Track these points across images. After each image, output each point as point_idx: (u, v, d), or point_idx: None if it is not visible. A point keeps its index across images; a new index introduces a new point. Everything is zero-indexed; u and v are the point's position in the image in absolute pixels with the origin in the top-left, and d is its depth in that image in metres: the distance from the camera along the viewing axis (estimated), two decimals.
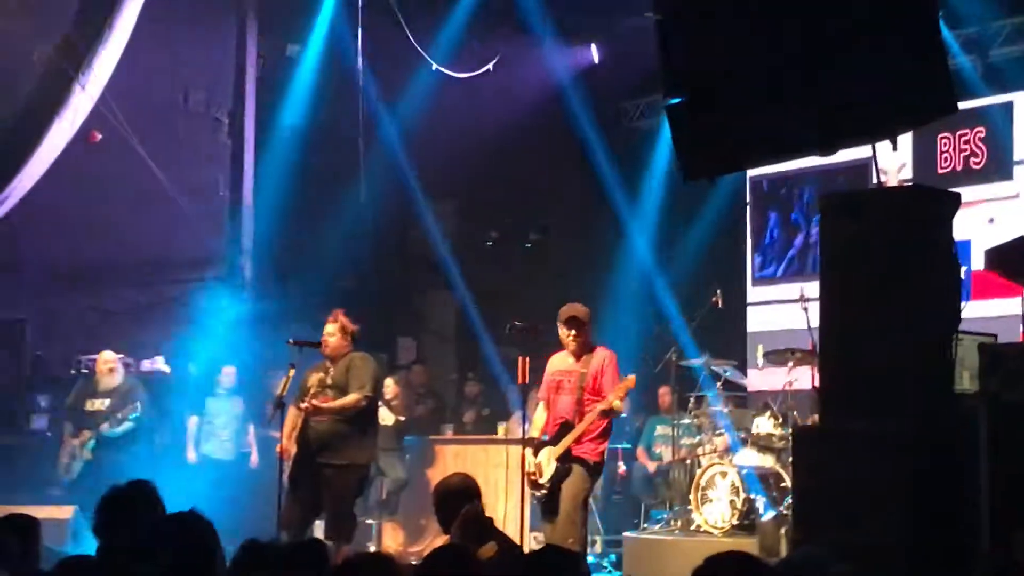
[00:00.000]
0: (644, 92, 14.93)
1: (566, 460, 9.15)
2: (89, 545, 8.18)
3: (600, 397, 9.17)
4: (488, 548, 6.26)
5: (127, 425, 12.14)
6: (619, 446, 13.52)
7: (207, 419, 13.53)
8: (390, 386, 13.19)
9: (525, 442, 9.51)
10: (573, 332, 9.29)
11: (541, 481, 9.22)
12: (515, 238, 16.20)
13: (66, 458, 12.22)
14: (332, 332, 9.85)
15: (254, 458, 13.56)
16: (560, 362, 9.47)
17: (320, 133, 14.69)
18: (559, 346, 9.47)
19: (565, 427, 9.19)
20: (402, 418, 13.45)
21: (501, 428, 13.36)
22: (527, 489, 9.56)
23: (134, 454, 12.15)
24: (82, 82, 12.30)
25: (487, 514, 6.88)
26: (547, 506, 9.26)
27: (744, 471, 11.41)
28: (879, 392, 7.10)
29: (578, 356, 9.35)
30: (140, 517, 4.40)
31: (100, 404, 12.20)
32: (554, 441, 9.23)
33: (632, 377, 9.29)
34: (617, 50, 14.71)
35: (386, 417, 12.87)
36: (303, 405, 9.66)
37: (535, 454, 9.31)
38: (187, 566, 3.16)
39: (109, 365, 12.30)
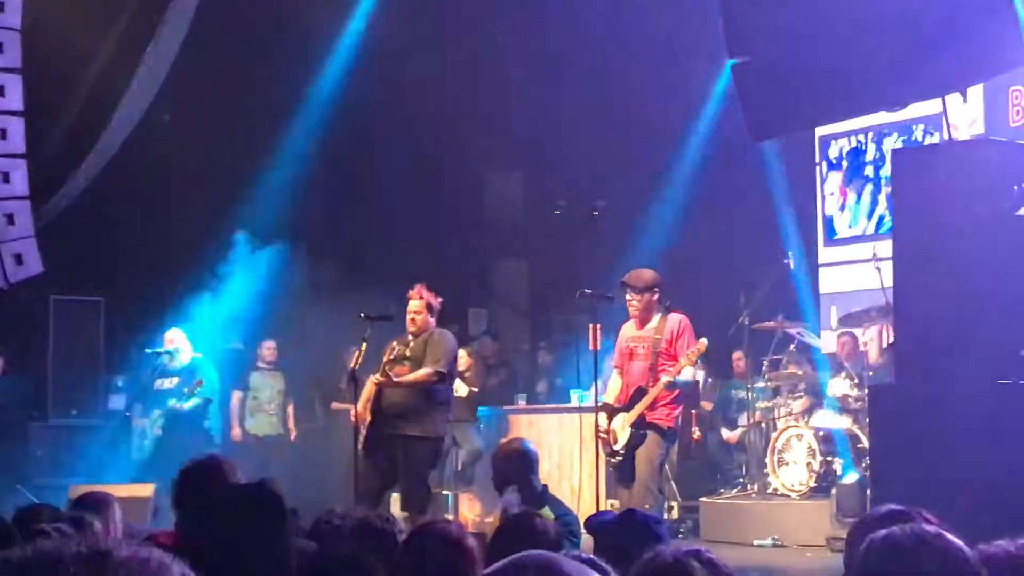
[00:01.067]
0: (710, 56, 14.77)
1: (640, 426, 9.14)
2: (170, 521, 8.30)
3: (675, 361, 9.13)
4: (544, 513, 6.28)
5: (195, 401, 12.26)
6: (694, 411, 13.46)
7: (252, 395, 13.55)
8: (463, 358, 13.20)
9: (599, 408, 9.50)
10: (635, 297, 9.27)
11: (616, 447, 9.22)
12: (581, 207, 16.14)
13: (137, 437, 12.37)
14: (418, 310, 9.84)
15: (293, 434, 13.60)
16: (633, 329, 9.45)
17: (384, 106, 14.69)
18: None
19: (639, 393, 9.18)
20: (475, 389, 13.47)
21: (574, 396, 13.35)
22: (602, 456, 9.56)
23: (204, 430, 12.29)
24: (148, 63, 12.40)
25: (561, 481, 6.90)
26: (623, 472, 9.26)
27: (821, 433, 11.33)
28: (954, 350, 7.02)
29: (643, 321, 9.32)
30: (216, 489, 4.44)
31: (168, 383, 12.33)
32: (628, 407, 9.21)
33: (704, 341, 9.24)
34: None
35: (459, 388, 12.89)
36: (375, 378, 9.68)
37: (609, 420, 9.31)
38: (259, 535, 3.18)
39: (175, 344, 12.42)
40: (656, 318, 9.34)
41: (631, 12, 14.20)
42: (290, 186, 14.36)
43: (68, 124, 12.68)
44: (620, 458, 9.22)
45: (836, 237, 14.36)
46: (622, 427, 9.20)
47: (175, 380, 12.33)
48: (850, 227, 14.20)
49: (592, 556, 3.19)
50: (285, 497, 3.44)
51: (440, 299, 9.99)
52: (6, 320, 12.94)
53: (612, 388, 9.58)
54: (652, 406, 9.14)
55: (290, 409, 13.75)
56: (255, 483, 3.54)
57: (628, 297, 9.32)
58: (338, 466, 11.83)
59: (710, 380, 13.82)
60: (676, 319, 9.31)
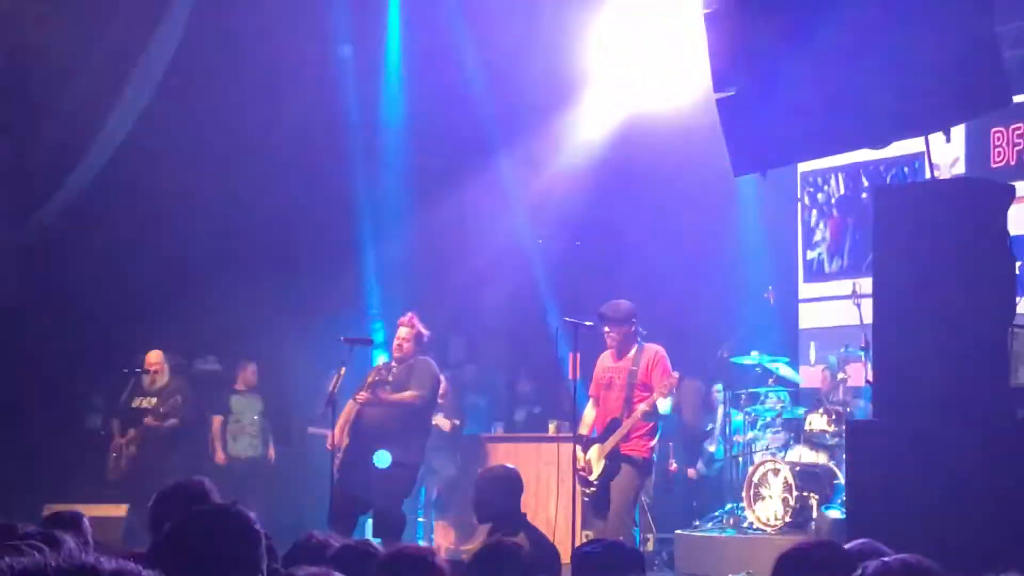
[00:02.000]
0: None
1: (615, 458, 9.13)
2: (143, 542, 8.22)
3: (649, 393, 9.13)
4: (519, 540, 6.28)
5: (171, 422, 12.22)
6: (670, 443, 13.46)
7: (234, 418, 13.51)
8: (442, 384, 13.18)
9: (575, 439, 9.48)
10: (613, 329, 9.30)
11: (590, 478, 9.21)
12: (564, 237, 16.16)
13: (114, 455, 12.32)
14: (407, 337, 9.90)
15: (271, 452, 13.55)
16: (609, 359, 9.47)
17: (369, 128, 14.71)
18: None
19: (613, 424, 9.20)
20: (456, 422, 13.48)
21: (552, 426, 13.34)
22: (579, 486, 9.56)
23: (181, 451, 12.25)
24: (135, 81, 12.40)
25: (538, 511, 6.90)
26: (597, 504, 9.26)
27: (797, 468, 11.34)
28: (934, 387, 7.03)
29: (621, 353, 9.34)
30: (189, 511, 4.42)
31: (147, 402, 12.30)
32: (602, 438, 9.22)
33: (676, 375, 9.26)
34: None
35: (442, 424, 12.96)
36: (360, 395, 9.68)
37: (584, 451, 9.31)
38: (229, 558, 3.17)
39: (155, 366, 12.42)
40: (633, 349, 9.37)
41: None
42: (272, 206, 14.36)
43: (54, 140, 12.65)
44: (594, 489, 9.21)
45: (812, 272, 14.40)
46: (597, 458, 9.21)
47: (153, 400, 12.29)
48: (830, 264, 14.24)
49: None
50: (256, 520, 3.43)
51: (429, 332, 10.05)
52: None
53: (587, 418, 9.60)
54: (627, 437, 9.15)
55: (268, 432, 13.72)
56: (225, 505, 3.53)
57: (606, 328, 9.36)
58: (313, 490, 11.79)
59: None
60: (652, 350, 9.34)
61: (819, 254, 14.32)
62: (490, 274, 15.39)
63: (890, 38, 6.54)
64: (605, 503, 9.21)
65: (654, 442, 9.41)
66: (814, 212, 14.50)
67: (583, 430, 9.55)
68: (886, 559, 2.70)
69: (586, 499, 9.57)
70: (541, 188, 15.21)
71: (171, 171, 13.33)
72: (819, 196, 14.54)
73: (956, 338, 6.93)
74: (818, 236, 14.47)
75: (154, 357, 12.50)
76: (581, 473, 9.31)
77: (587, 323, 10.06)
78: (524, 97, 14.43)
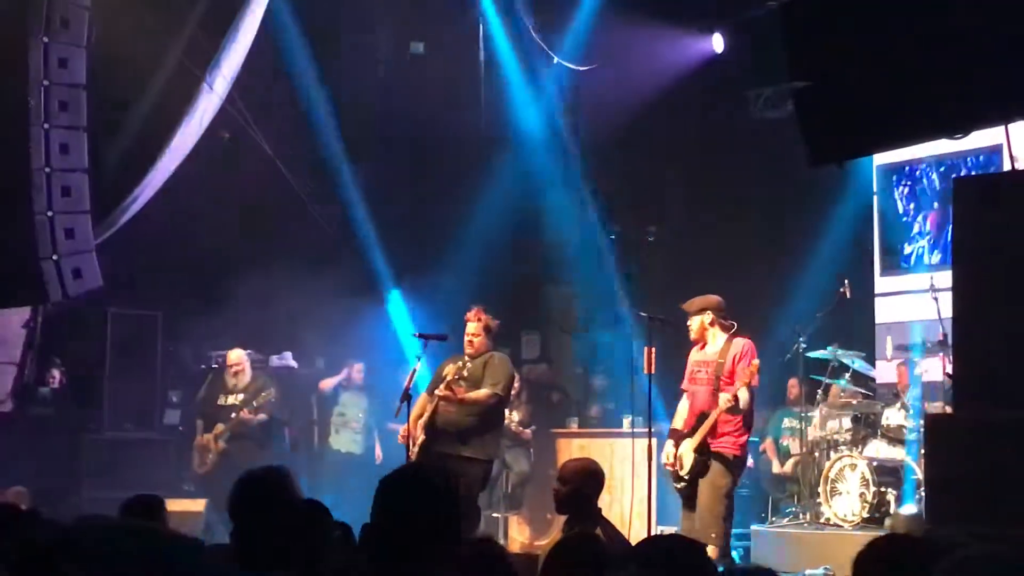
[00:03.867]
0: (769, 81, 14.72)
1: (704, 452, 9.12)
2: (222, 537, 8.31)
3: (733, 385, 9.10)
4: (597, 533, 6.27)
5: (261, 417, 12.35)
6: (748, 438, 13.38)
7: (339, 411, 13.72)
8: (515, 382, 13.19)
9: (669, 433, 9.53)
10: (689, 320, 9.31)
11: (681, 473, 9.20)
12: (636, 231, 16.13)
13: (199, 453, 12.45)
14: (476, 332, 9.88)
15: (379, 452, 13.71)
16: (698, 354, 9.48)
17: (441, 129, 14.74)
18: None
19: (702, 418, 9.17)
20: (533, 428, 13.50)
21: (626, 421, 13.31)
22: (654, 481, 9.53)
23: (267, 447, 12.36)
24: (209, 82, 12.50)
25: (612, 506, 6.88)
26: (688, 499, 9.23)
27: (874, 463, 11.24)
28: (1015, 381, 6.94)
29: (704, 345, 9.31)
30: (273, 501, 4.44)
31: (233, 399, 12.43)
32: (691, 433, 9.19)
33: (756, 362, 9.22)
34: (741, 39, 14.54)
35: (520, 432, 13.06)
36: (438, 391, 9.67)
37: (676, 446, 9.28)
38: (296, 550, 3.19)
39: (236, 367, 12.54)
40: (721, 342, 9.35)
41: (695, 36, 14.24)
42: (345, 207, 14.46)
43: (131, 140, 12.79)
44: (685, 484, 9.21)
45: (889, 266, 14.25)
46: (687, 453, 9.17)
47: (240, 397, 12.42)
48: (931, 255, 14.06)
49: None
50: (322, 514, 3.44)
51: (498, 321, 10.01)
52: (64, 333, 13.06)
53: (680, 413, 9.58)
54: (716, 433, 9.09)
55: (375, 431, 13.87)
56: (305, 499, 3.54)
57: (688, 321, 9.37)
58: None
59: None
60: (740, 343, 9.31)
61: (919, 248, 14.12)
62: (563, 270, 15.40)
63: (967, 25, 6.46)
64: (694, 500, 9.19)
65: (745, 438, 9.33)
66: (911, 205, 14.31)
67: (676, 424, 9.53)
68: (972, 549, 2.66)
69: (678, 495, 9.50)
70: (614, 180, 15.19)
71: (248, 169, 13.46)
72: (896, 189, 14.38)
73: None
74: (894, 229, 14.31)
75: (235, 356, 12.63)
76: (672, 468, 9.28)
77: (661, 318, 10.03)
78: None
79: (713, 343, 9.36)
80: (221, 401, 12.48)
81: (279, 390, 12.71)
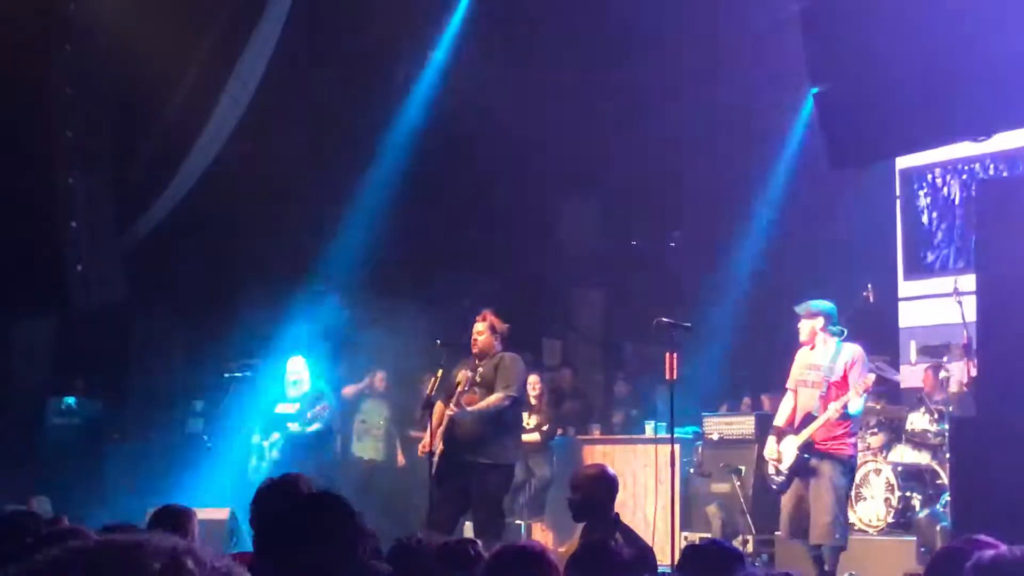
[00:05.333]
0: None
1: (809, 451, 9.33)
2: (246, 545, 8.32)
3: (845, 391, 9.29)
4: (616, 539, 6.26)
5: (316, 427, 12.36)
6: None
7: (361, 418, 13.75)
8: (534, 387, 13.19)
9: (771, 430, 9.79)
10: (800, 322, 9.54)
11: (781, 467, 9.46)
12: (658, 237, 16.12)
13: (255, 459, 12.48)
14: (481, 331, 9.91)
15: (401, 459, 13.75)
16: (806, 355, 9.66)
17: (464, 134, 14.75)
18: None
19: (808, 419, 9.39)
20: (545, 428, 13.49)
21: (648, 427, 13.29)
22: (677, 487, 9.54)
23: (322, 455, 12.36)
24: (230, 91, 12.54)
25: (635, 511, 6.86)
26: (786, 488, 9.47)
27: (899, 468, 11.19)
28: None
29: (814, 348, 9.54)
30: (287, 500, 4.45)
31: (290, 407, 12.44)
32: (797, 431, 9.43)
33: (872, 376, 9.51)
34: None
35: (529, 421, 13.00)
36: (448, 411, 9.70)
37: (778, 442, 9.53)
38: (327, 541, 3.17)
39: (295, 374, 12.53)
40: (832, 346, 9.53)
41: (711, 41, 14.17)
42: (369, 214, 14.48)
43: (154, 148, 12.84)
44: (783, 478, 9.48)
45: (912, 270, 14.19)
46: (790, 449, 9.41)
47: (297, 406, 12.44)
48: (933, 264, 14.02)
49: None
50: (347, 504, 3.43)
51: (507, 325, 10.02)
52: (88, 343, 13.11)
53: (783, 410, 9.79)
54: (828, 436, 9.32)
55: (396, 438, 13.92)
56: (320, 491, 3.54)
57: (800, 323, 9.58)
58: (415, 495, 11.89)
59: None
60: (852, 350, 9.50)
61: (943, 255, 14.07)
62: (586, 276, 15.39)
63: (989, 28, 6.43)
64: (789, 488, 9.45)
65: (854, 439, 9.59)
66: (913, 209, 14.28)
67: (778, 422, 9.75)
68: (1002, 549, 2.65)
69: (774, 487, 9.78)
70: (632, 185, 15.18)
71: (270, 178, 13.50)
72: (919, 193, 14.32)
73: None
74: (917, 233, 14.25)
75: (296, 364, 12.63)
76: (773, 462, 9.54)
77: (684, 324, 10.03)
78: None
79: (824, 347, 9.53)
80: (279, 409, 12.48)
81: (334, 400, 12.74)
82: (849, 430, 9.45)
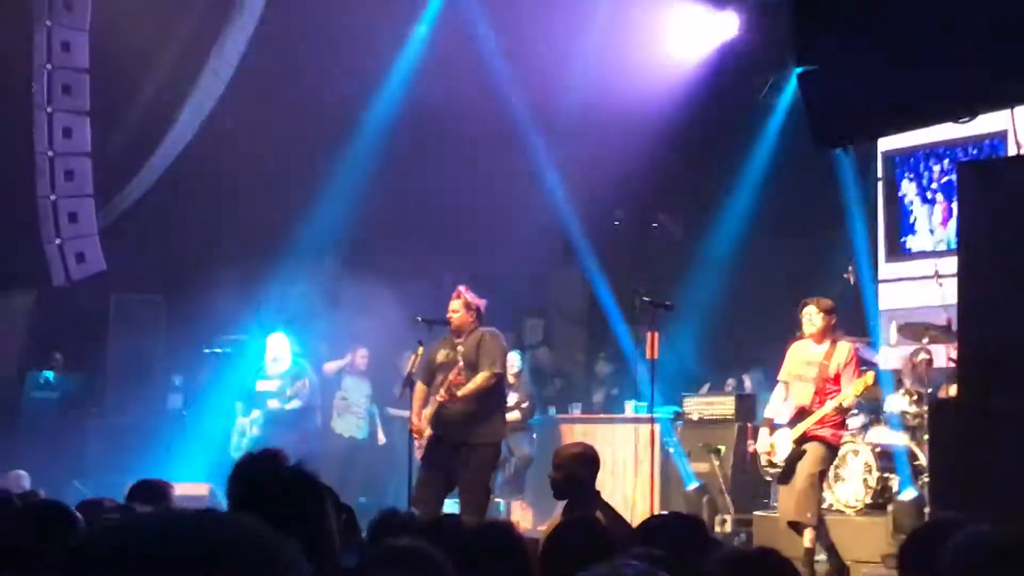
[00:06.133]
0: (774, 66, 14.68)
1: (802, 443, 9.49)
2: None
3: (838, 388, 9.46)
4: (596, 517, 6.27)
5: (296, 404, 12.34)
6: (749, 424, 13.39)
7: (342, 395, 13.75)
8: (513, 366, 13.19)
9: (763, 422, 10.01)
10: (817, 317, 9.60)
11: (774, 459, 9.60)
12: (641, 218, 16.12)
13: (236, 435, 12.46)
14: (456, 308, 9.89)
15: (381, 436, 13.77)
16: (802, 350, 9.77)
17: (435, 109, 14.71)
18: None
19: (802, 413, 9.53)
20: (525, 404, 13.49)
21: (629, 406, 13.31)
22: (656, 466, 9.57)
23: (303, 431, 12.35)
24: (213, 66, 12.48)
25: (616, 490, 6.88)
26: (782, 480, 9.64)
27: (877, 449, 11.23)
28: (1019, 366, 6.92)
29: (817, 343, 9.64)
30: (264, 477, 4.43)
31: (270, 384, 12.43)
32: (791, 424, 9.58)
33: (872, 374, 9.73)
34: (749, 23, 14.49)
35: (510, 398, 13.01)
36: (438, 398, 9.68)
37: (770, 434, 9.69)
38: (291, 518, 3.14)
39: (276, 352, 12.52)
40: (827, 343, 9.63)
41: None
42: (350, 191, 14.43)
43: (134, 124, 12.79)
44: (779, 469, 9.64)
45: (893, 252, 14.22)
46: (783, 442, 9.56)
47: (277, 383, 12.42)
48: (901, 243, 14.06)
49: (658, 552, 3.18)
50: (319, 478, 3.42)
51: (483, 301, 10.01)
52: (66, 317, 13.06)
53: (774, 403, 9.96)
54: (818, 423, 9.49)
55: (377, 415, 13.94)
56: (291, 466, 3.53)
57: (807, 316, 9.62)
58: (395, 473, 11.91)
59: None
60: (846, 348, 9.65)
61: (922, 237, 14.09)
62: (567, 255, 15.37)
63: (973, 7, 6.42)
64: (788, 479, 9.57)
65: (844, 431, 9.96)
66: (894, 192, 14.30)
67: (769, 414, 9.92)
68: (980, 529, 2.66)
69: (769, 479, 10.17)
70: (618, 167, 15.15)
71: (250, 154, 13.45)
72: (900, 176, 14.34)
73: None
74: (898, 216, 14.27)
75: (276, 341, 12.62)
76: (766, 455, 9.68)
77: (665, 304, 10.05)
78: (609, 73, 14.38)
79: (820, 343, 9.63)
80: (260, 386, 12.47)
81: (314, 376, 12.74)
82: (841, 421, 9.70)
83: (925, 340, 11.56)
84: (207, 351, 13.20)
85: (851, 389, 9.45)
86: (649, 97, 14.68)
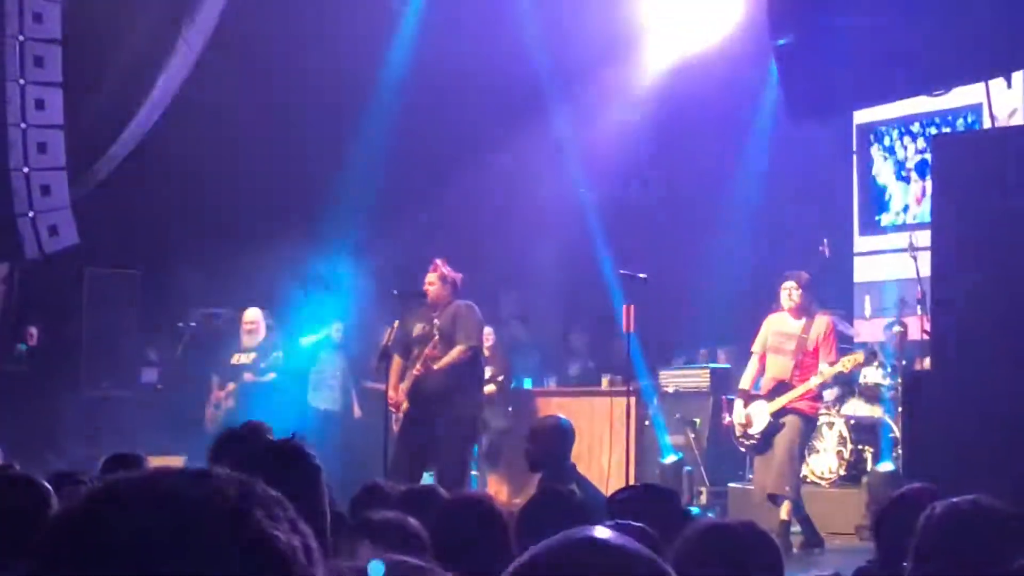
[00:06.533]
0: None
1: (780, 416, 9.61)
2: None
3: (816, 361, 9.60)
4: (571, 489, 6.29)
5: (271, 376, 12.32)
6: (724, 397, 13.43)
7: (316, 369, 13.72)
8: (488, 336, 13.18)
9: (738, 393, 10.14)
10: (798, 292, 9.74)
11: (750, 431, 9.65)
12: (616, 190, 16.09)
13: (211, 409, 12.43)
14: (432, 281, 9.90)
15: (357, 410, 13.77)
16: (780, 323, 9.88)
17: (422, 86, 14.65)
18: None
19: (781, 387, 9.65)
20: (500, 378, 13.50)
21: (605, 380, 13.33)
22: (632, 439, 9.60)
23: (277, 404, 12.33)
24: (186, 36, 12.40)
25: (591, 463, 6.90)
26: (759, 452, 9.83)
27: (851, 422, 11.29)
28: (991, 338, 6.96)
29: (795, 317, 9.71)
30: (244, 448, 4.42)
31: (245, 358, 12.40)
32: (769, 397, 9.67)
33: (861, 353, 10.14)
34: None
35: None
36: (414, 371, 9.68)
37: (745, 405, 9.76)
38: (288, 493, 3.10)
39: (251, 325, 12.49)
40: (804, 317, 9.83)
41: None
42: (324, 164, 14.39)
43: (107, 96, 12.69)
44: (754, 442, 9.80)
45: (868, 225, 14.26)
46: (760, 414, 9.67)
47: (252, 356, 12.39)
48: (876, 216, 14.10)
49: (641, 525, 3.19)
50: (314, 455, 3.38)
51: (459, 274, 10.00)
52: (40, 291, 12.98)
53: (748, 374, 10.08)
54: (799, 397, 9.67)
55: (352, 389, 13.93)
56: (282, 440, 3.51)
57: (787, 291, 9.70)
58: (371, 446, 11.90)
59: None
60: (824, 322, 9.84)
61: (896, 210, 14.13)
62: (542, 227, 15.36)
63: None
64: (764, 450, 9.77)
65: (821, 404, 10.15)
66: (869, 165, 14.32)
67: (744, 385, 10.04)
68: (955, 500, 2.68)
69: (744, 451, 10.33)
70: (593, 139, 15.13)
71: (223, 126, 13.37)
72: (875, 149, 14.35)
73: (1015, 288, 6.84)
74: (873, 189, 14.30)
75: (251, 315, 12.58)
76: (741, 426, 9.77)
77: (641, 276, 10.07)
78: (577, 50, 14.34)
79: (798, 317, 9.72)
80: (235, 360, 12.44)
81: (292, 349, 12.72)
82: (818, 393, 9.88)
83: (900, 314, 11.62)
84: (180, 325, 13.14)
85: (840, 366, 9.53)
86: (618, 71, 14.69)
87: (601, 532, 1.55)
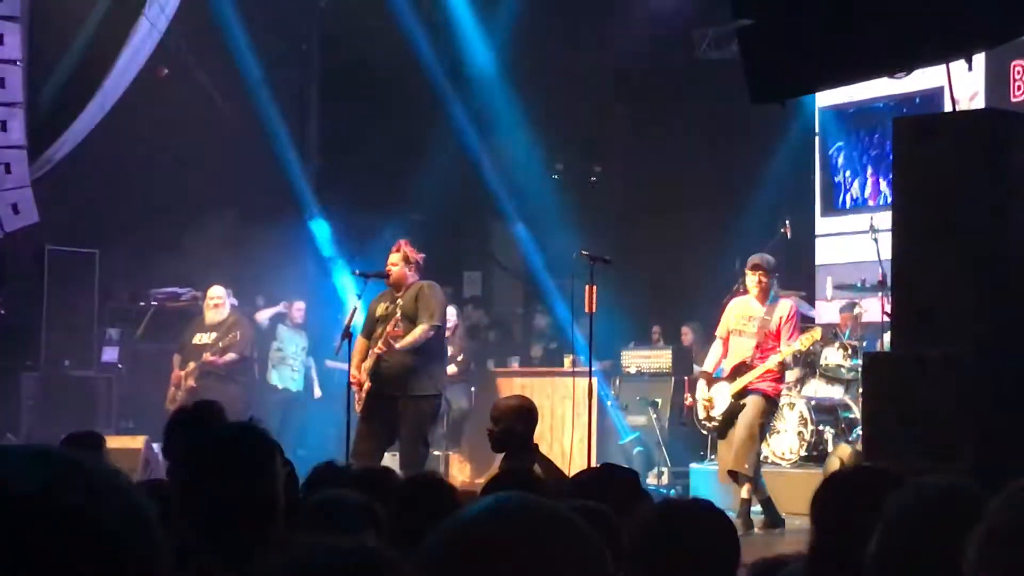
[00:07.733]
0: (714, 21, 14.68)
1: (742, 397, 9.69)
2: (160, 473, 8.26)
3: (778, 343, 9.69)
4: (534, 469, 6.31)
5: (230, 356, 12.25)
6: (686, 378, 13.49)
7: (277, 347, 13.68)
8: (451, 316, 13.19)
9: (700, 375, 10.30)
10: (764, 277, 9.78)
11: (712, 413, 9.78)
12: (578, 172, 16.12)
13: (172, 388, 12.36)
14: (395, 261, 9.86)
15: (317, 390, 13.76)
16: (743, 306, 9.97)
17: (388, 68, 14.62)
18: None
19: (742, 368, 9.72)
20: (463, 360, 13.52)
21: (568, 360, 13.35)
22: (594, 420, 9.63)
23: (239, 384, 12.29)
24: (148, 15, 12.33)
25: (553, 444, 6.92)
26: (722, 435, 9.89)
27: (812, 403, 11.36)
28: (949, 319, 7.00)
29: (760, 301, 9.83)
30: (201, 429, 4.41)
31: (207, 337, 12.31)
32: (730, 379, 9.77)
33: (819, 329, 10.23)
34: None
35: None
36: (376, 350, 9.65)
37: (708, 388, 9.90)
38: (241, 476, 3.09)
39: (215, 300, 12.42)
40: (767, 300, 9.90)
41: None
42: (286, 141, 14.36)
43: (67, 74, 12.61)
44: (716, 423, 9.91)
45: (829, 207, 14.34)
46: (722, 396, 9.80)
47: (213, 335, 12.31)
48: (838, 198, 14.20)
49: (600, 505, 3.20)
50: (270, 435, 3.36)
51: (422, 255, 9.97)
52: (0, 269, 12.90)
53: (712, 357, 10.18)
54: (758, 376, 9.72)
55: (313, 368, 13.89)
56: (238, 422, 3.50)
57: (755, 276, 9.77)
58: (333, 426, 11.89)
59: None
60: (786, 305, 9.96)
61: (857, 192, 14.21)
62: (506, 208, 15.37)
63: None
64: (726, 432, 9.82)
65: (782, 385, 10.20)
66: (831, 147, 14.39)
67: (707, 367, 10.17)
68: (919, 479, 2.69)
69: (705, 432, 10.55)
70: (559, 119, 15.14)
71: (185, 105, 13.31)
72: (837, 131, 14.42)
73: (977, 271, 6.88)
74: (835, 170, 14.38)
75: (215, 292, 12.50)
76: (704, 408, 9.94)
77: (604, 258, 10.07)
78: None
79: (761, 301, 9.83)
80: (196, 340, 12.35)
81: (250, 329, 12.65)
82: (780, 374, 9.93)
83: (859, 295, 11.70)
84: (142, 304, 13.08)
85: (798, 344, 9.62)
86: (582, 51, 14.70)
87: (522, 496, 1.56)
